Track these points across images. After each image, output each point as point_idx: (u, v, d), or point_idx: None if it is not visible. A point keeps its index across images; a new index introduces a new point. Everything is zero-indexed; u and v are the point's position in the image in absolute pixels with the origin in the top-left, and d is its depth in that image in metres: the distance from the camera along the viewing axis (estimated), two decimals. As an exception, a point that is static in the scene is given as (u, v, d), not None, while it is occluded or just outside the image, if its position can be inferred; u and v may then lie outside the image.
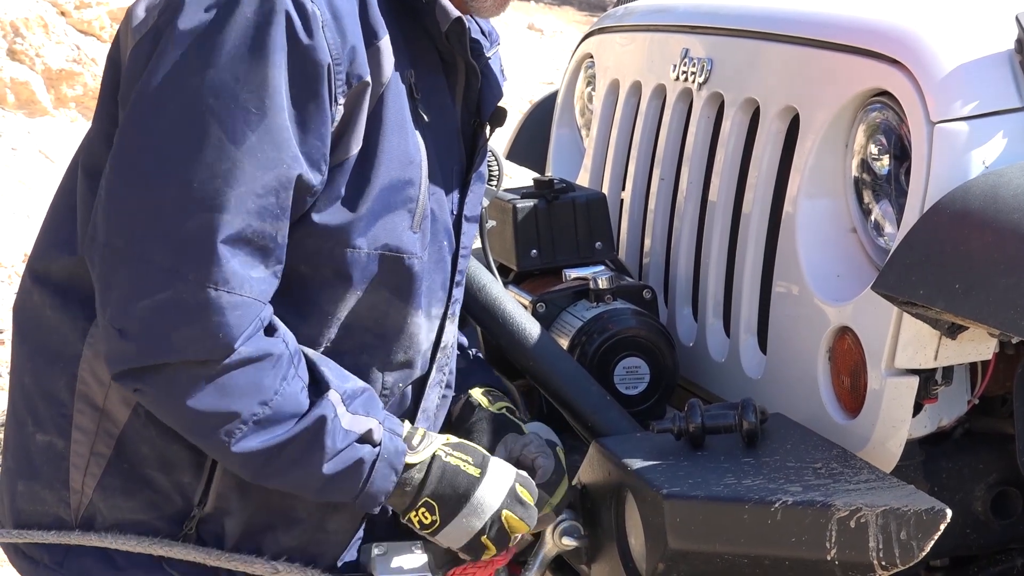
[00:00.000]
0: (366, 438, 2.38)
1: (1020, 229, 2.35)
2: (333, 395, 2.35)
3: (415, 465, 2.45)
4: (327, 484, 2.37)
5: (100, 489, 2.43)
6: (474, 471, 2.48)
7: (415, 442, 2.46)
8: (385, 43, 2.35)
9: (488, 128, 2.61)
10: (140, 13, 2.33)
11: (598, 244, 3.38)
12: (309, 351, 2.38)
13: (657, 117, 3.51)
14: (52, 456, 2.46)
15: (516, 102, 10.33)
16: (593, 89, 3.94)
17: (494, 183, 3.18)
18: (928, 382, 2.65)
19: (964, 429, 2.84)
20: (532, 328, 3.01)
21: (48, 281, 2.42)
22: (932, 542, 2.29)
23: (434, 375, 2.60)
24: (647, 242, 3.50)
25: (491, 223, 3.29)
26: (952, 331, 2.54)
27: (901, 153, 2.70)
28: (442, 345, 2.59)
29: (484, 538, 2.49)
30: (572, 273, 3.29)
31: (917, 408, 2.68)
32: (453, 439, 2.53)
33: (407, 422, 2.49)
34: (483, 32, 2.68)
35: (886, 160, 2.74)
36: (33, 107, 8.48)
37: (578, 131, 4.09)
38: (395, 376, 2.51)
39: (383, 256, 2.40)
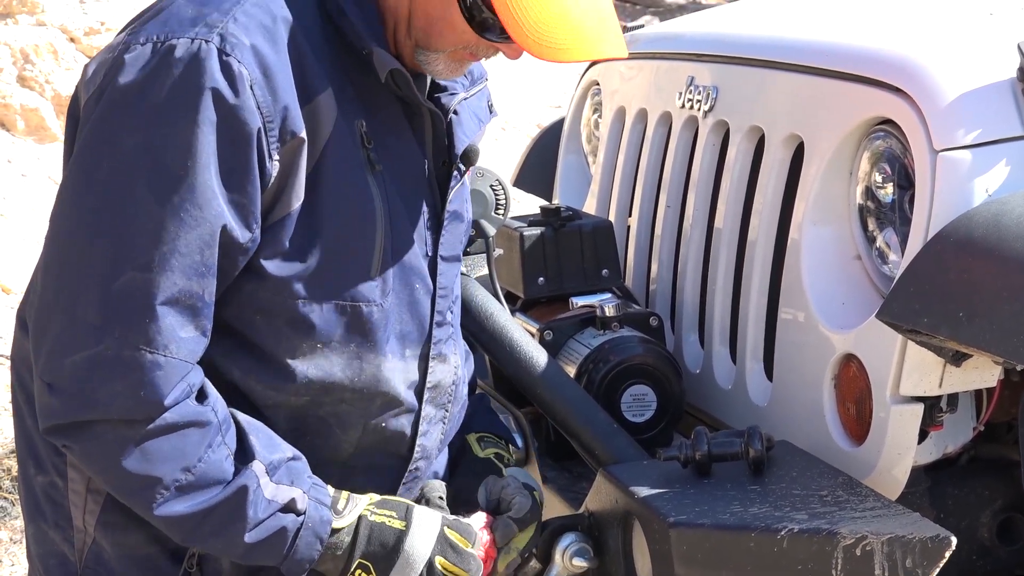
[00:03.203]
0: (289, 507, 2.39)
1: (1023, 257, 2.36)
2: (257, 465, 2.36)
3: (342, 529, 2.45)
4: (249, 552, 2.39)
5: (101, 527, 2.45)
6: (399, 524, 2.48)
7: (340, 506, 2.47)
8: (324, 98, 2.36)
9: (460, 168, 2.60)
10: (91, 71, 2.38)
11: (605, 271, 3.40)
12: (242, 417, 2.40)
13: (663, 144, 3.52)
14: (53, 496, 2.49)
15: (524, 125, 10.35)
16: (600, 116, 3.95)
17: (501, 211, 3.20)
18: (933, 409, 2.66)
19: (970, 456, 2.85)
20: (539, 356, 3.02)
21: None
22: (937, 569, 2.30)
23: (428, 411, 2.59)
24: (653, 269, 3.51)
25: (498, 251, 3.31)
26: (956, 359, 2.55)
27: (905, 181, 2.71)
28: (432, 384, 2.58)
29: None
30: (579, 301, 3.31)
31: (922, 435, 2.69)
32: (377, 497, 2.52)
33: (331, 488, 2.48)
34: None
35: (890, 188, 2.75)
36: (43, 133, 8.51)
37: (585, 158, 4.11)
38: (377, 421, 2.52)
39: (339, 306, 2.42)
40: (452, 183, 2.57)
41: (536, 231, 3.37)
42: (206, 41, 2.27)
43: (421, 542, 2.47)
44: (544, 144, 4.35)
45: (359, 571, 2.46)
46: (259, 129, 2.28)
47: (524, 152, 4.43)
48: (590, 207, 3.83)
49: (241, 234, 2.30)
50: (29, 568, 2.63)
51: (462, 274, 3.17)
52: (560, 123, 4.26)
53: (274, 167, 2.31)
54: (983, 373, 2.62)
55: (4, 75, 8.53)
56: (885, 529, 2.34)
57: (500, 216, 3.22)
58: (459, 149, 2.59)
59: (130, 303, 2.24)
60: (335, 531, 2.44)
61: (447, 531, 2.51)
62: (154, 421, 2.26)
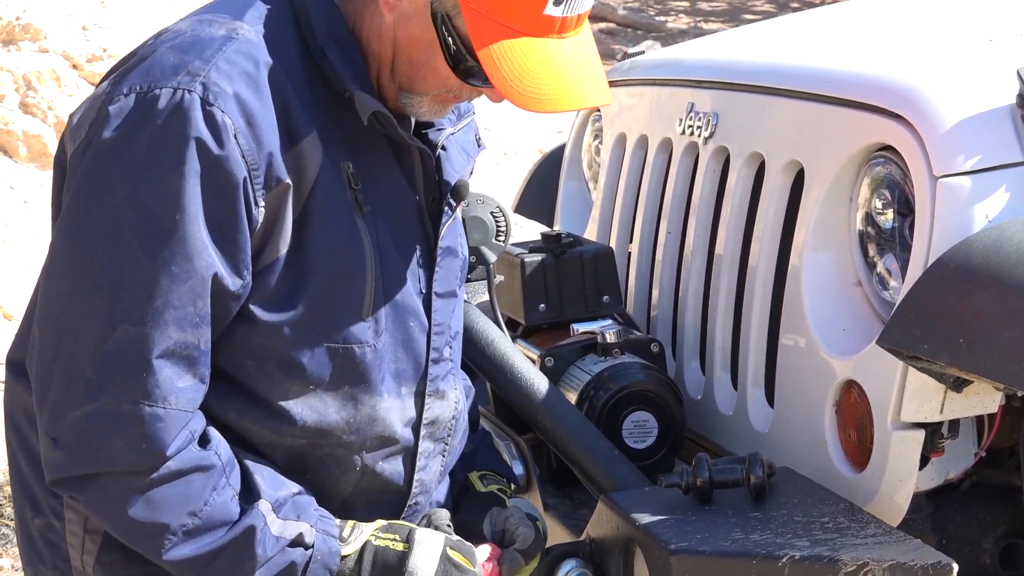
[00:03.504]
0: (297, 542, 2.41)
1: (1023, 283, 2.36)
2: (263, 504, 2.38)
3: (348, 556, 2.46)
4: None
5: (100, 566, 2.45)
6: (401, 546, 2.48)
7: (346, 534, 2.48)
8: (309, 142, 2.36)
9: (451, 203, 2.59)
10: (76, 121, 2.38)
11: (606, 298, 3.40)
12: (248, 459, 2.41)
13: (664, 170, 3.53)
14: (50, 538, 2.49)
15: (526, 151, 10.37)
16: (600, 142, 3.96)
17: (502, 239, 3.20)
18: (934, 435, 2.66)
19: (972, 482, 2.84)
20: (540, 383, 3.03)
21: (23, 373, 2.44)
22: (939, 596, 2.30)
23: (426, 446, 2.59)
24: (654, 295, 3.52)
25: (499, 278, 3.31)
26: (957, 385, 2.55)
27: (905, 207, 2.72)
28: (429, 420, 2.57)
29: None
30: (580, 327, 3.31)
31: (924, 461, 2.69)
32: (383, 523, 2.53)
33: (339, 520, 2.49)
34: None
35: (890, 214, 2.76)
36: (45, 160, 8.51)
37: (586, 184, 4.12)
38: (373, 457, 2.52)
39: (330, 349, 2.42)
40: (443, 219, 2.57)
41: (537, 257, 3.38)
42: (188, 91, 2.27)
43: (423, 562, 2.47)
44: (545, 170, 4.36)
45: None
46: (244, 178, 2.28)
47: (525, 178, 4.45)
48: (591, 233, 3.84)
49: (232, 282, 2.31)
50: None
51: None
52: (561, 149, 4.27)
53: (260, 214, 2.31)
54: (984, 399, 2.62)
55: (6, 102, 8.55)
56: (887, 556, 2.34)
57: (501, 243, 3.22)
58: (448, 185, 2.58)
59: (126, 358, 2.25)
60: (342, 558, 2.45)
61: (449, 551, 2.51)
62: (158, 470, 2.28)
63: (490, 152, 10.30)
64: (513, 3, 2.32)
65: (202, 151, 2.25)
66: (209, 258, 2.27)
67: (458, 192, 2.58)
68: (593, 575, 2.71)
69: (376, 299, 2.44)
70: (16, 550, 4.86)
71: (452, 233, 2.61)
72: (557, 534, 3.02)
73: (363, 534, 2.48)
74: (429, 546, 2.49)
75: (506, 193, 4.44)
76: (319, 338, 2.40)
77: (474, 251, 3.18)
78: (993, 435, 2.73)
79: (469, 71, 2.39)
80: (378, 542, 2.48)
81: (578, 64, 2.38)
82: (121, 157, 2.27)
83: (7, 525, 5.30)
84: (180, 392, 2.28)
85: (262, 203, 2.31)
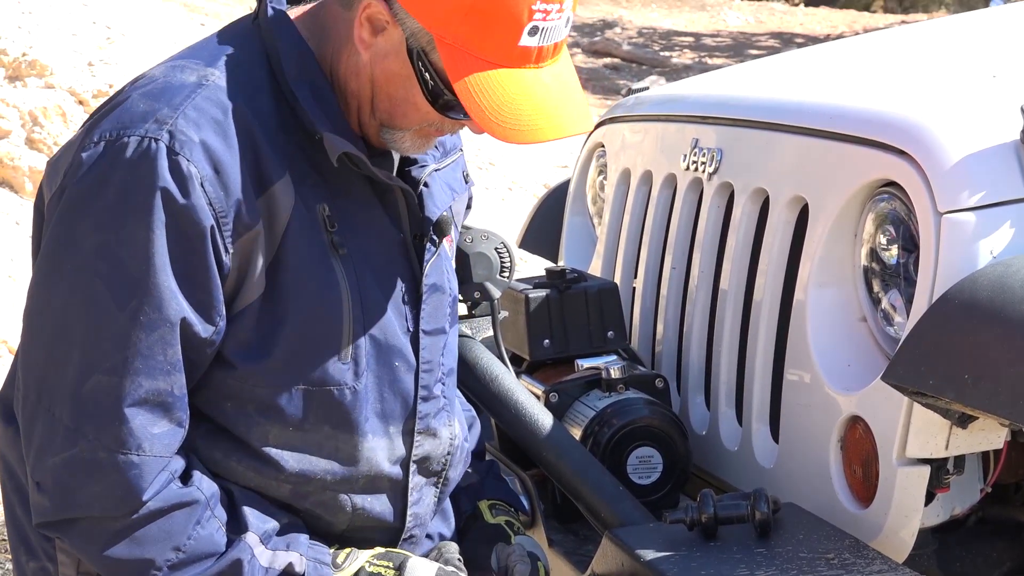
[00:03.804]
0: (288, 572, 2.42)
1: (1028, 319, 2.36)
2: (250, 536, 2.39)
3: None
4: None
5: None
6: (392, 573, 2.49)
7: (340, 560, 2.49)
8: (280, 186, 2.36)
9: (434, 240, 2.58)
10: (53, 167, 2.40)
11: (610, 333, 3.40)
12: (235, 489, 2.43)
13: (668, 206, 3.53)
14: None
15: (531, 185, 10.38)
16: (605, 178, 3.96)
17: (506, 274, 3.20)
18: (940, 471, 2.65)
19: (978, 517, 2.84)
20: (544, 419, 3.03)
21: (13, 416, 2.45)
22: (945, 633, 2.30)
23: (416, 480, 2.58)
24: (659, 330, 3.51)
25: (504, 313, 3.31)
26: (963, 421, 2.54)
27: (910, 243, 2.72)
28: (420, 457, 2.57)
29: None
30: (585, 363, 3.31)
31: (930, 497, 2.68)
32: (380, 550, 2.54)
33: (334, 547, 2.51)
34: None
35: (895, 250, 2.76)
36: (51, 195, 8.54)
37: (590, 219, 4.12)
38: (363, 497, 2.53)
39: (308, 391, 2.42)
40: (427, 255, 2.57)
41: (541, 293, 3.38)
42: (155, 139, 2.28)
43: None
44: (549, 205, 4.36)
45: None
46: (212, 226, 2.29)
47: (530, 213, 4.45)
48: (595, 269, 3.84)
49: (204, 329, 2.32)
50: None
51: (467, 336, 3.18)
52: (566, 184, 4.27)
53: (231, 260, 2.32)
54: (989, 435, 2.62)
55: (12, 137, 8.57)
56: (892, 592, 2.33)
57: (505, 279, 3.22)
58: (431, 221, 2.57)
59: (100, 406, 2.28)
60: None
61: None
62: (137, 512, 2.30)
63: (495, 187, 10.32)
64: (487, 36, 2.31)
65: (167, 200, 2.27)
66: (178, 306, 2.28)
67: (440, 228, 2.58)
68: (597, 613, 2.70)
69: (356, 341, 2.44)
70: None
71: (438, 270, 2.60)
72: (562, 570, 3.01)
73: (358, 561, 2.49)
74: (421, 574, 2.49)
75: (511, 227, 4.44)
76: (296, 381, 2.41)
77: (478, 287, 3.18)
78: (999, 471, 2.72)
79: (448, 104, 2.39)
80: (372, 569, 2.49)
81: (557, 92, 2.38)
82: (91, 207, 2.29)
83: (10, 560, 5.29)
84: (155, 438, 2.30)
85: (232, 250, 2.32)
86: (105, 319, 2.28)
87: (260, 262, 2.35)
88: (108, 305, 2.27)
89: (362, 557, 2.51)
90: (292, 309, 2.38)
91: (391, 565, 2.51)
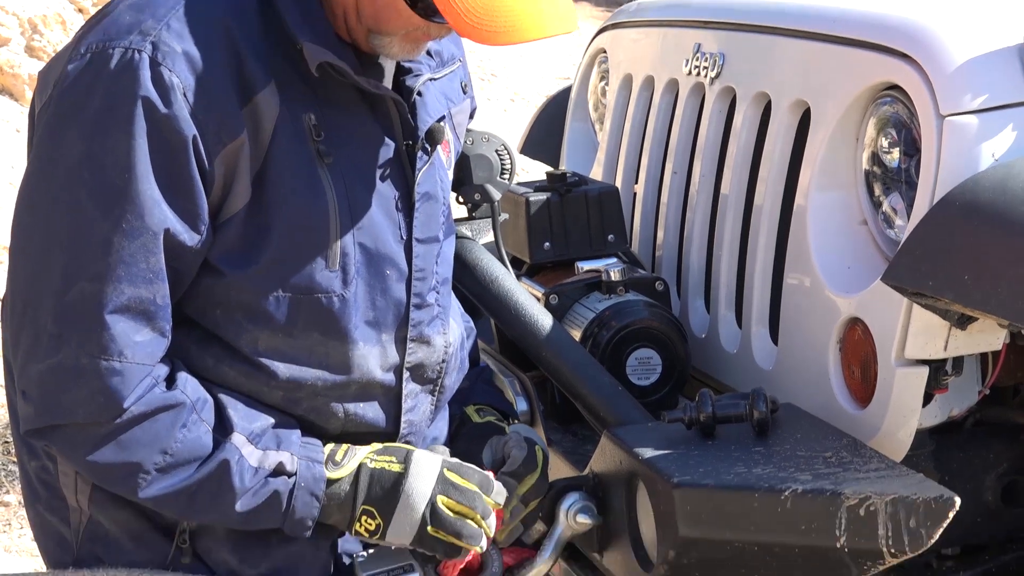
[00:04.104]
0: (279, 471, 2.43)
1: (1028, 221, 2.36)
2: (237, 437, 2.41)
3: (341, 479, 2.48)
4: (246, 519, 2.44)
5: (94, 503, 2.49)
6: (398, 467, 2.50)
7: (339, 457, 2.50)
8: (264, 96, 2.36)
9: (427, 148, 2.58)
10: (44, 78, 2.41)
11: (611, 237, 3.40)
12: (222, 393, 2.44)
13: (670, 111, 3.53)
14: (46, 479, 2.53)
15: (533, 97, 10.36)
16: (606, 84, 3.95)
17: (506, 176, 3.21)
18: (938, 372, 2.66)
19: (975, 419, 2.85)
20: (545, 320, 3.04)
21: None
22: (941, 530, 2.30)
23: (411, 388, 2.59)
24: (660, 235, 3.52)
25: (504, 216, 3.31)
26: (962, 322, 2.55)
27: (911, 146, 2.72)
28: (413, 364, 2.58)
29: (431, 529, 2.50)
30: (585, 265, 3.31)
31: (928, 398, 2.70)
32: (378, 446, 2.55)
33: (330, 444, 2.52)
34: (429, 52, 2.66)
35: (896, 153, 2.75)
36: (51, 103, 8.52)
37: (592, 125, 4.11)
38: (355, 404, 2.54)
39: (295, 299, 2.43)
40: (419, 164, 2.56)
41: (542, 196, 3.37)
42: (139, 51, 2.29)
43: (421, 482, 2.49)
44: (551, 112, 4.35)
45: (364, 517, 2.48)
46: (194, 136, 2.30)
47: (531, 120, 4.44)
48: (597, 174, 3.84)
49: (189, 238, 2.33)
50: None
51: (467, 238, 3.19)
52: (567, 91, 4.26)
53: (215, 171, 2.33)
54: (988, 336, 2.62)
55: (12, 45, 8.54)
56: (889, 489, 2.34)
57: (505, 181, 3.22)
58: (422, 130, 2.56)
59: (82, 313, 2.29)
60: (333, 481, 2.47)
61: (447, 472, 2.53)
62: (121, 417, 2.32)
63: (497, 98, 10.30)
64: None
65: (149, 110, 2.28)
66: (161, 215, 2.29)
67: (432, 137, 2.57)
68: (596, 509, 2.72)
69: (344, 249, 2.45)
70: (22, 488, 4.90)
71: (432, 179, 2.60)
72: (561, 469, 3.03)
73: (357, 457, 2.51)
74: (427, 467, 2.51)
75: (512, 139, 4.44)
76: (283, 288, 2.41)
77: (478, 188, 3.19)
78: (997, 373, 2.74)
79: (428, 8, 2.37)
80: (374, 464, 2.50)
81: None
82: (76, 117, 2.30)
83: (14, 462, 5.33)
84: (137, 346, 2.31)
85: (216, 160, 2.33)
86: (88, 227, 2.29)
87: (246, 172, 2.36)
88: (92, 213, 2.28)
89: (361, 453, 2.52)
90: (278, 218, 2.39)
91: (395, 459, 2.51)
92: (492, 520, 2.56)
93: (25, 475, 2.58)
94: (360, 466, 2.50)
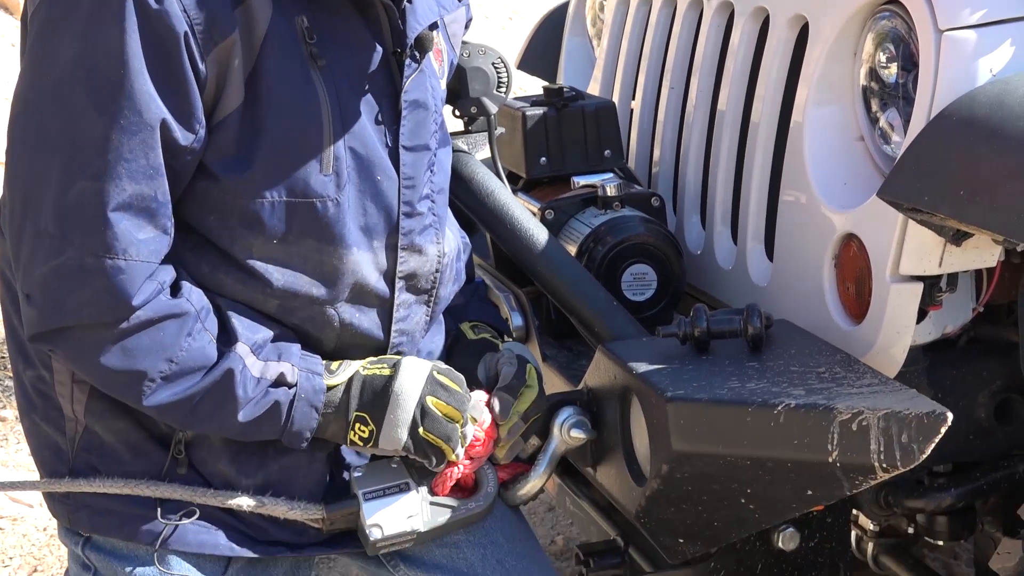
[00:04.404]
0: (280, 382, 2.45)
1: (1025, 136, 2.35)
2: (241, 347, 2.41)
3: (336, 386, 2.51)
4: (246, 429, 2.45)
5: (89, 413, 2.50)
6: (387, 371, 2.52)
7: (333, 367, 2.52)
8: None
9: (416, 56, 2.56)
10: None
11: (607, 152, 3.39)
12: (224, 302, 2.44)
13: (667, 27, 3.51)
14: (42, 389, 2.54)
15: (531, 14, 10.29)
16: (604, -1, 3.93)
17: (503, 90, 3.19)
18: (933, 289, 2.66)
19: (969, 337, 2.85)
20: (540, 234, 3.03)
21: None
22: (932, 445, 2.30)
23: (404, 297, 2.60)
24: (656, 151, 3.51)
25: (500, 130, 3.30)
26: (957, 238, 2.54)
27: (909, 61, 2.70)
28: (405, 273, 2.58)
29: (422, 431, 2.52)
30: (581, 181, 3.30)
31: (922, 315, 2.69)
32: (372, 358, 2.57)
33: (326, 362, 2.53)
34: None
35: (894, 68, 2.74)
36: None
37: (589, 41, 4.09)
38: (350, 309, 2.54)
39: (290, 204, 2.42)
40: (407, 71, 2.55)
41: (539, 111, 3.36)
42: None
43: (409, 383, 2.51)
44: (548, 27, 4.33)
45: (358, 425, 2.50)
46: (186, 32, 2.29)
47: (528, 35, 4.42)
48: (594, 90, 3.83)
49: (183, 136, 2.33)
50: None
51: (463, 151, 3.18)
52: (564, 6, 4.24)
53: (208, 69, 2.32)
54: (983, 253, 2.62)
55: (7, -42, 8.49)
56: (882, 404, 2.33)
57: (502, 94, 3.21)
58: (411, 37, 2.55)
59: (84, 212, 2.29)
60: (329, 388, 2.49)
61: (436, 374, 2.55)
62: (127, 320, 2.31)
63: (495, 16, 10.23)
64: None
65: (140, 7, 2.27)
66: (157, 109, 2.29)
67: (421, 44, 2.56)
68: (590, 423, 2.73)
69: (336, 153, 2.44)
70: (18, 402, 4.92)
71: (421, 86, 2.59)
72: (555, 384, 3.04)
73: (351, 367, 2.52)
74: (416, 369, 2.53)
75: (511, 57, 4.42)
76: (278, 193, 2.41)
77: (475, 102, 3.18)
78: (991, 290, 2.73)
79: None
80: (366, 372, 2.52)
81: None
82: (68, 17, 2.29)
83: (10, 377, 5.34)
84: (141, 244, 2.31)
85: (208, 58, 2.32)
86: (86, 125, 2.28)
87: (239, 72, 2.35)
88: (88, 111, 2.28)
89: (355, 364, 2.53)
90: (271, 120, 2.38)
91: (385, 365, 2.54)
92: (470, 430, 2.58)
93: (21, 385, 2.58)
94: (354, 375, 2.51)
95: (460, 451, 2.57)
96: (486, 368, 2.74)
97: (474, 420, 2.59)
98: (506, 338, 2.93)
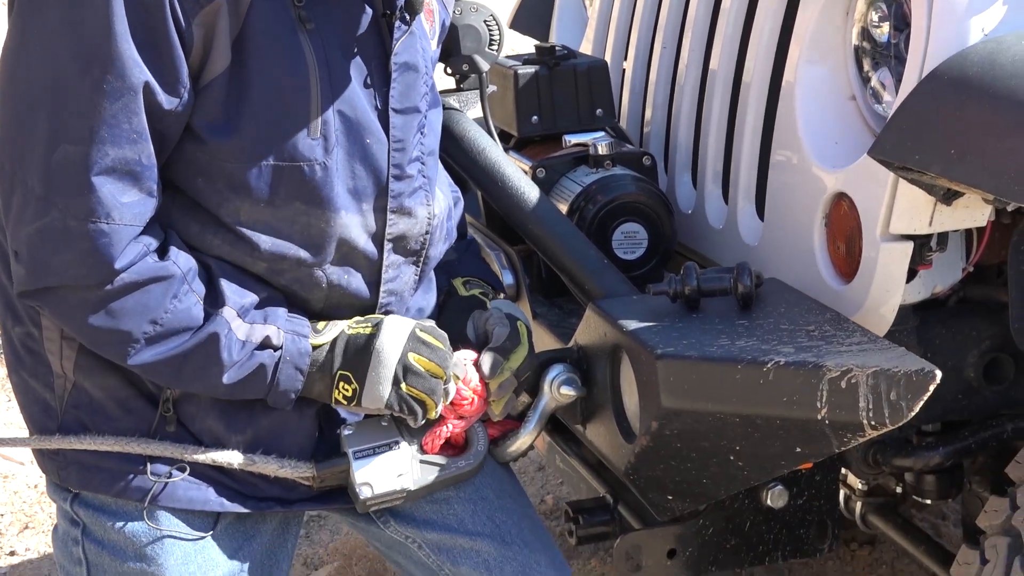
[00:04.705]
0: (265, 344, 2.46)
1: (1016, 95, 2.34)
2: (227, 311, 2.42)
3: (321, 346, 2.51)
4: (231, 390, 2.46)
5: (79, 370, 2.51)
6: (369, 329, 2.53)
7: (319, 327, 2.53)
8: None
9: (405, 18, 2.55)
10: None
11: (599, 111, 3.39)
12: (214, 264, 2.45)
13: (660, -15, 3.50)
14: (30, 346, 2.55)
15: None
16: (597, -42, 3.92)
17: (495, 47, 3.19)
18: (923, 248, 2.65)
19: (958, 296, 2.85)
20: (531, 192, 3.03)
21: None
22: (921, 403, 2.31)
23: (393, 259, 2.60)
24: (648, 110, 3.51)
25: (492, 88, 3.29)
26: (947, 197, 2.54)
27: (901, 21, 2.70)
28: (395, 235, 2.58)
29: (404, 387, 2.52)
30: (572, 139, 3.30)
31: (912, 274, 2.69)
32: (359, 318, 2.58)
33: (320, 323, 2.55)
34: None
35: (886, 27, 2.73)
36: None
37: (582, 0, 4.08)
38: (338, 271, 2.54)
39: (277, 167, 2.42)
40: (396, 34, 2.55)
41: (530, 69, 3.36)
42: None
43: (391, 341, 2.52)
44: (541, -13, 4.31)
45: (342, 384, 2.51)
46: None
47: (520, -5, 4.40)
48: (586, 50, 3.82)
49: (167, 100, 2.33)
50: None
51: (454, 109, 3.17)
52: (558, -35, 4.23)
53: (194, 32, 2.32)
54: (973, 212, 2.62)
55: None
56: (871, 362, 2.34)
57: (494, 52, 3.20)
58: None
59: (68, 176, 2.29)
60: (314, 348, 2.50)
61: (418, 331, 2.55)
62: (112, 283, 2.33)
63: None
64: None
65: None
66: (140, 74, 2.29)
67: (411, 5, 2.55)
68: (580, 381, 2.73)
69: (324, 116, 2.44)
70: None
71: (411, 48, 2.58)
72: (546, 342, 3.04)
73: (336, 327, 2.53)
74: (397, 327, 2.54)
75: (500, 10, 4.40)
76: (265, 157, 2.41)
77: (466, 59, 3.17)
78: (982, 250, 2.74)
79: None
80: (350, 331, 2.53)
81: None
82: None
83: None
84: (125, 207, 2.32)
85: (194, 20, 2.31)
86: (69, 88, 2.29)
87: (225, 34, 2.35)
88: (73, 74, 2.28)
89: (342, 324, 2.54)
90: (258, 83, 2.38)
91: (368, 323, 2.54)
92: (452, 387, 2.59)
93: (9, 342, 2.59)
94: (340, 333, 2.52)
95: (440, 407, 2.57)
96: (475, 326, 2.74)
97: (457, 377, 2.60)
98: (499, 294, 2.93)
